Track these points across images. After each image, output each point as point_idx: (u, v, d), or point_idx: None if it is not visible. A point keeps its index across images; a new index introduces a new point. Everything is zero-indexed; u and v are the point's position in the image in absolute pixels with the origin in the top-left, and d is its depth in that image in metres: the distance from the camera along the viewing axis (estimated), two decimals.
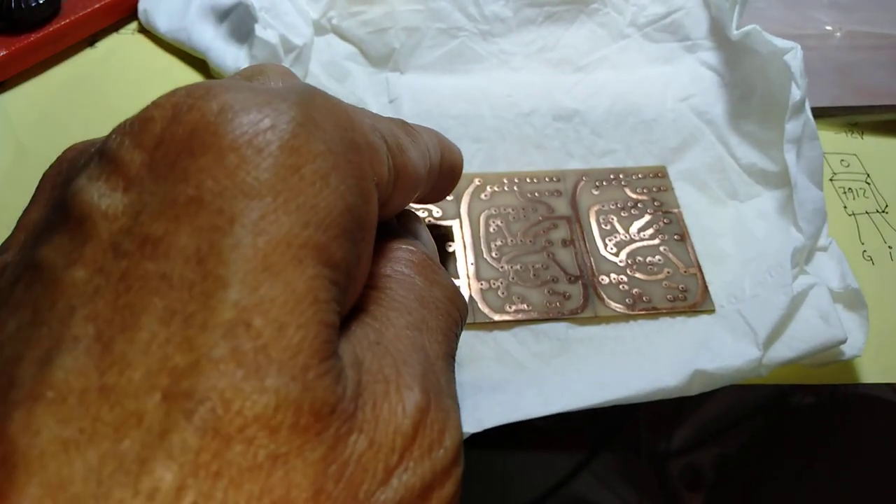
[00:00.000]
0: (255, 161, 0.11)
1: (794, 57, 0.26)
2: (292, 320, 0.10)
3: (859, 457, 0.24)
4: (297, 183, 0.11)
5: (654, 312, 0.25)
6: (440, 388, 0.13)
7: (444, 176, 0.19)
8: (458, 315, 0.15)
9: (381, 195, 0.14)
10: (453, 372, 0.14)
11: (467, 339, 0.24)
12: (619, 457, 0.24)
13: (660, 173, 0.29)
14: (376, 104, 0.30)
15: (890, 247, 0.28)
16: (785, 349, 0.23)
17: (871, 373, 0.25)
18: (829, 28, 0.33)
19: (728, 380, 0.23)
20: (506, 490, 0.23)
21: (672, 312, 0.25)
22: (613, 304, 0.25)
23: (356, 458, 0.10)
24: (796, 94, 0.26)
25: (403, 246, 0.15)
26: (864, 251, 0.28)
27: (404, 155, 0.15)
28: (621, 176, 0.28)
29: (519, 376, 0.23)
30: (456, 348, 0.15)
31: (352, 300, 0.13)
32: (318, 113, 0.12)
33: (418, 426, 0.11)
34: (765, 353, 0.23)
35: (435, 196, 0.21)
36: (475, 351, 0.24)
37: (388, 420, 0.11)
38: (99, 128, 0.29)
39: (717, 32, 0.31)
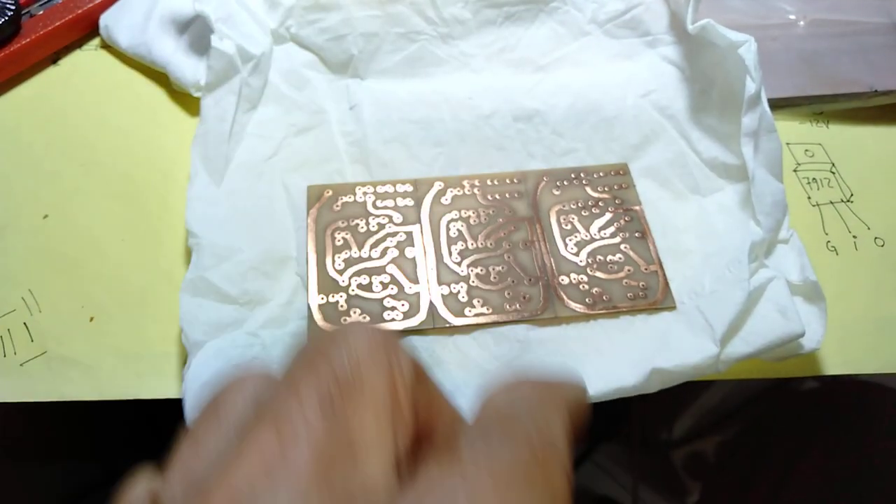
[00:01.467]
0: None
1: (748, 50, 0.26)
2: None
3: (859, 442, 0.24)
4: None
5: (614, 311, 0.25)
6: None
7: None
8: None
9: None
10: None
11: (427, 344, 0.24)
12: (621, 447, 0.24)
13: (621, 171, 0.28)
14: (337, 111, 0.30)
15: (854, 237, 0.28)
16: (742, 344, 0.23)
17: (833, 364, 0.25)
18: (792, 17, 0.33)
19: (686, 376, 0.23)
20: None
21: (632, 311, 0.25)
22: (573, 305, 0.25)
23: None
24: (751, 86, 0.25)
25: None
26: (828, 242, 0.27)
27: None
28: (582, 175, 0.28)
29: (480, 380, 0.23)
30: None
31: None
32: None
33: None
34: (722, 349, 0.23)
35: None
36: (435, 356, 0.24)
37: None
38: (63, 146, 0.30)
39: (677, 27, 0.31)
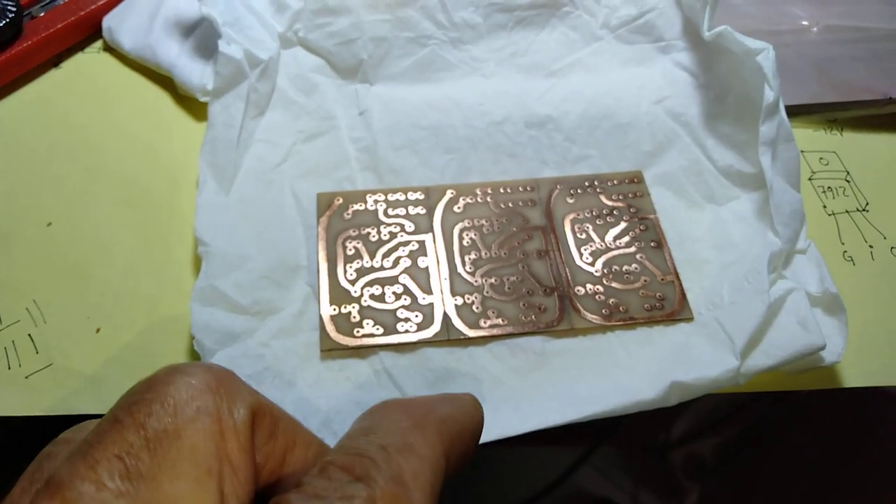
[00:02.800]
0: None
1: (767, 57, 0.25)
2: None
3: (862, 447, 0.24)
4: None
5: (631, 323, 0.24)
6: None
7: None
8: None
9: None
10: None
11: (441, 356, 0.24)
12: (620, 449, 0.24)
13: (635, 178, 0.28)
14: (346, 117, 0.29)
15: (871, 246, 0.27)
16: (763, 357, 0.23)
17: (852, 377, 0.24)
18: (805, 23, 0.33)
19: (705, 390, 0.22)
20: (509, 485, 0.23)
21: (650, 322, 0.24)
22: (590, 316, 0.24)
23: None
24: (769, 95, 0.25)
25: None
26: (845, 251, 0.27)
27: None
28: (596, 183, 0.28)
29: (495, 392, 0.23)
30: None
31: None
32: None
33: None
34: (743, 362, 0.22)
35: None
36: (450, 368, 0.23)
37: None
38: (66, 150, 0.29)
39: (691, 33, 0.30)
